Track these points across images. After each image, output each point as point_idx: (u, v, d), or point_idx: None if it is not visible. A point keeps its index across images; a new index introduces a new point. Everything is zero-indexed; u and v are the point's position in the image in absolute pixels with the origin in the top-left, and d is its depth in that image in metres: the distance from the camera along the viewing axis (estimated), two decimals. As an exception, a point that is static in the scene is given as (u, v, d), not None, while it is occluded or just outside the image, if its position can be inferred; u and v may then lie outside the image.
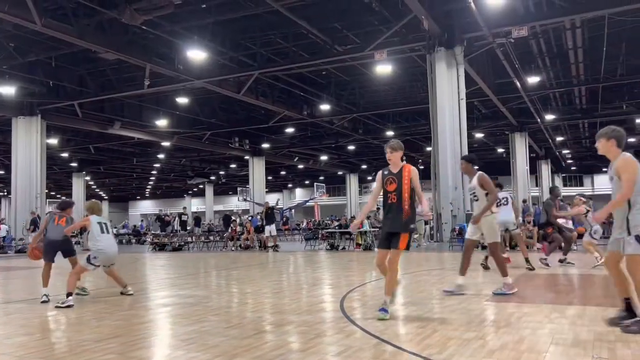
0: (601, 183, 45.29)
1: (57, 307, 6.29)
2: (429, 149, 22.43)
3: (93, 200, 7.87)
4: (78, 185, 38.08)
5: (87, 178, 42.22)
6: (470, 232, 6.58)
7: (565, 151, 38.59)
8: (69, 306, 6.25)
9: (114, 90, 20.77)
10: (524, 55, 17.95)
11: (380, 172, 5.59)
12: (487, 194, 6.39)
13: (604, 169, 44.77)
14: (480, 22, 13.87)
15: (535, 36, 16.33)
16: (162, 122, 25.34)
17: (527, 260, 9.24)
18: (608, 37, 15.81)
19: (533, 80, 19.87)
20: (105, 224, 7.08)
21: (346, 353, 3.94)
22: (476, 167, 6.87)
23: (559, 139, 32.42)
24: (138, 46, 16.63)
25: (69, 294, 6.42)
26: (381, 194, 5.52)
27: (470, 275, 8.98)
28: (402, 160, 5.53)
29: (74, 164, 36.78)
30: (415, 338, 4.36)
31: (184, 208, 28.60)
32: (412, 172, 5.32)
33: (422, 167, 41.37)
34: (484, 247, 9.47)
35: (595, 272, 8.86)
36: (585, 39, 16.29)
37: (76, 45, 15.67)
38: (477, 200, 6.57)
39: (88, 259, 6.81)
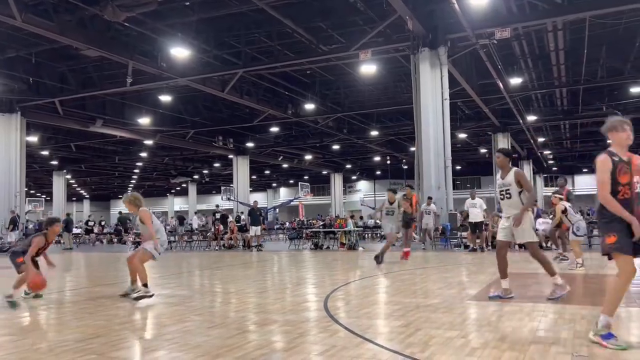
0: (581, 183, 45.98)
1: (136, 298, 6.46)
2: (412, 148, 22.56)
3: (135, 193, 7.25)
4: (58, 184, 37.53)
5: (68, 176, 41.62)
6: (503, 234, 6.11)
7: (546, 152, 39.11)
8: (151, 295, 6.49)
9: (95, 88, 20.51)
10: (507, 56, 18.14)
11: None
12: (520, 192, 6.01)
13: (584, 170, 45.57)
14: (464, 23, 13.98)
15: (518, 38, 16.52)
16: (144, 120, 25.08)
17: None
18: (589, 40, 16.05)
19: (515, 81, 20.10)
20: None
21: (330, 352, 3.93)
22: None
23: (541, 139, 32.84)
24: (120, 43, 16.44)
25: (145, 284, 6.56)
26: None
27: (455, 273, 9.07)
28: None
29: (54, 162, 36.23)
30: (398, 337, 4.38)
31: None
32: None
33: (405, 166, 41.66)
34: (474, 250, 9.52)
35: (576, 271, 9.00)
36: (566, 41, 16.52)
37: (57, 42, 15.44)
38: (509, 197, 6.09)
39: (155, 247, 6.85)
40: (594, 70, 19.74)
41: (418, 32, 15.28)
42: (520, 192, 5.98)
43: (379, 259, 10.88)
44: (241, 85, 20.81)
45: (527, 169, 39.71)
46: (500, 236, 6.25)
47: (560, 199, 9.93)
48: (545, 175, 47.48)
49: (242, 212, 25.48)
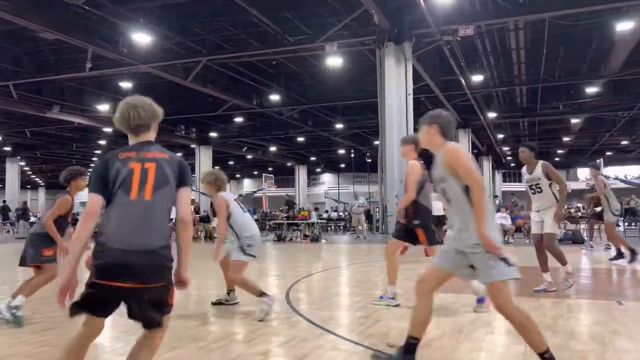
0: (538, 179, 47.53)
1: (261, 320, 4.73)
2: (376, 142, 22.73)
3: (217, 171, 5.81)
4: (12, 171, 36.14)
5: (22, 163, 40.12)
6: (550, 226, 5.97)
7: (505, 148, 40.14)
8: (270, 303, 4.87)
9: (52, 72, 19.76)
10: (470, 54, 18.46)
11: None
12: (550, 185, 5.96)
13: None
14: (429, 20, 14.13)
15: (481, 35, 16.83)
16: (104, 107, 24.38)
17: None
18: (548, 40, 16.50)
19: (477, 78, 20.49)
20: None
21: (290, 343, 3.95)
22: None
23: (500, 136, 33.65)
24: (79, 27, 15.87)
25: (262, 294, 4.90)
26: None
27: (417, 265, 9.22)
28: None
29: (7, 148, 34.84)
30: (359, 328, 4.43)
31: None
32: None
33: (369, 160, 41.99)
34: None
35: (531, 264, 9.28)
36: (527, 41, 16.93)
37: (12, 23, 14.77)
38: (540, 191, 6.02)
39: (243, 250, 5.14)
40: (553, 69, 20.32)
41: (384, 26, 15.37)
42: (550, 185, 5.94)
43: None
44: (205, 73, 20.47)
45: (487, 165, 40.74)
46: (535, 230, 6.22)
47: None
48: (504, 170, 48.71)
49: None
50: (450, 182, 3.11)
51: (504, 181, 47.86)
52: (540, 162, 6.07)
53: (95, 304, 2.39)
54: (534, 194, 6.15)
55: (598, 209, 11.13)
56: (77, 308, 2.38)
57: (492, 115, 26.48)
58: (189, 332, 4.31)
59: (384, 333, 4.18)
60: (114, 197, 2.40)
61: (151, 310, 2.37)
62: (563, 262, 6.04)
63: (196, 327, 4.53)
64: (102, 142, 34.36)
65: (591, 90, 21.82)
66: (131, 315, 2.42)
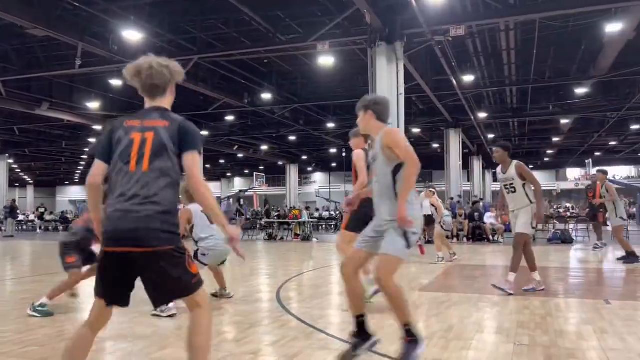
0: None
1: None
2: (368, 142, 22.78)
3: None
4: (0, 169, 35.78)
5: (11, 161, 39.68)
6: (521, 226, 5.92)
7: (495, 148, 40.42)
8: None
9: (42, 69, 19.56)
10: (461, 54, 18.53)
11: None
12: (524, 185, 5.93)
13: (531, 166, 47.37)
14: (421, 19, 14.17)
15: (472, 36, 16.89)
16: (94, 105, 24.19)
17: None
18: (538, 41, 16.60)
19: (468, 78, 20.58)
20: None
21: (281, 342, 3.95)
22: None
23: (491, 136, 33.83)
24: (69, 23, 15.74)
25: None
26: None
27: (407, 264, 9.25)
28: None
29: (-5, 146, 34.49)
30: (349, 327, 4.43)
31: None
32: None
33: (360, 159, 42.06)
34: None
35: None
36: (517, 41, 17.02)
37: (0, 19, 14.64)
38: (514, 192, 6.02)
39: (196, 257, 5.62)
40: (543, 70, 20.46)
41: (376, 26, 15.39)
42: (524, 185, 5.95)
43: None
44: (196, 72, 20.38)
45: (477, 165, 40.96)
46: (522, 230, 6.11)
47: (433, 193, 10.35)
48: (494, 170, 48.94)
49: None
50: (380, 161, 3.33)
51: (495, 181, 48.14)
52: (515, 162, 6.10)
53: (106, 280, 2.46)
54: (508, 193, 6.19)
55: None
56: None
57: (482, 115, 26.61)
58: (179, 330, 4.30)
59: (374, 331, 4.19)
60: (115, 166, 2.43)
61: (167, 278, 2.35)
62: (514, 268, 5.94)
63: (185, 326, 4.50)
64: (92, 140, 34.12)
65: (580, 91, 21.99)
66: (149, 293, 2.45)
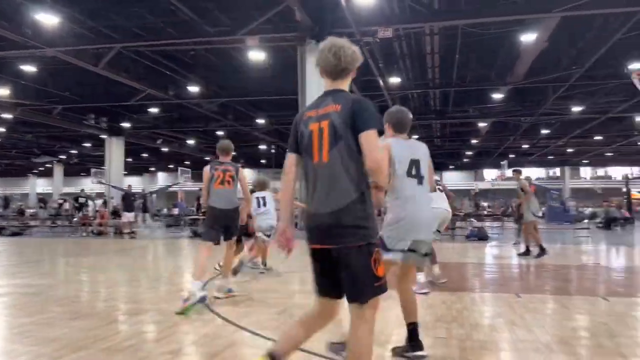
0: (449, 179, 49.85)
1: None
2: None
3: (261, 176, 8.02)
4: None
5: None
6: None
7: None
8: None
9: (-58, 51, 17.94)
10: (388, 56, 18.99)
11: None
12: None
13: (451, 167, 49.50)
14: (350, 19, 14.36)
15: (399, 38, 17.35)
16: (3, 92, 22.48)
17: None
18: (461, 47, 17.34)
19: (395, 80, 21.15)
20: (263, 197, 7.65)
21: (202, 341, 3.86)
22: None
23: (415, 137, 34.92)
24: (-25, 3, 14.53)
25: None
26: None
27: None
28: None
29: None
30: (272, 324, 4.41)
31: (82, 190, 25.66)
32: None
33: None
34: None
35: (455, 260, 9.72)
36: (441, 46, 17.69)
37: None
38: None
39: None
40: (464, 75, 21.38)
41: (305, 23, 15.42)
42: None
43: None
44: (118, 61, 19.48)
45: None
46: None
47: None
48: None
49: (112, 197, 24.09)
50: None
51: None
52: None
53: (315, 275, 2.52)
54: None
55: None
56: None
57: (408, 116, 27.43)
58: (94, 331, 4.09)
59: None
60: (303, 160, 2.52)
61: (349, 277, 2.33)
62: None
63: (102, 326, 4.30)
64: (1, 130, 31.76)
65: (497, 96, 23.22)
66: (345, 288, 2.40)
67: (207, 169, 5.71)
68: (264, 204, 7.61)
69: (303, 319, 2.56)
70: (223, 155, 5.85)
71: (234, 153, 6.39)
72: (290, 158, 2.57)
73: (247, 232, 7.69)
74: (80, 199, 21.66)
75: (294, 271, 7.94)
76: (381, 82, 20.01)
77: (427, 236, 3.45)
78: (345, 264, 2.31)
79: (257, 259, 7.87)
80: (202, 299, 5.03)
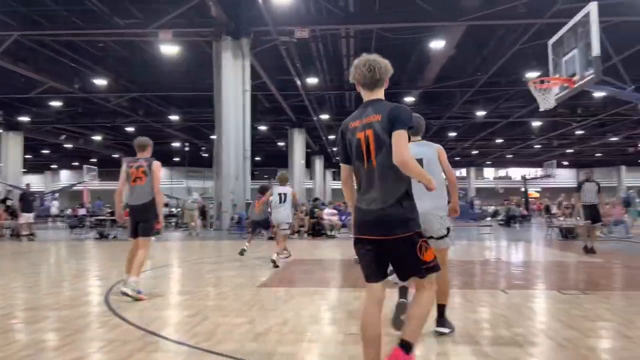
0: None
1: None
2: (213, 137, 22.40)
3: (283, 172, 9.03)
4: None
5: None
6: None
7: (335, 148, 42.58)
8: None
9: None
10: (305, 56, 19.15)
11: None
12: None
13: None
14: (267, 18, 14.32)
15: (316, 40, 17.56)
16: None
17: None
18: (375, 50, 17.70)
19: (312, 80, 21.37)
20: (285, 194, 8.24)
21: (108, 347, 3.67)
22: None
23: (331, 137, 35.55)
24: None
25: None
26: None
27: (247, 262, 9.27)
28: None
29: None
30: (184, 327, 4.29)
31: None
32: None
33: (206, 155, 41.12)
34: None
35: (350, 256, 9.94)
36: (357, 49, 18.13)
37: None
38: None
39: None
40: (378, 78, 22.08)
41: (221, 19, 15.18)
42: None
43: None
44: (16, 50, 18.05)
45: (319, 163, 42.78)
46: None
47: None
48: (334, 170, 51.64)
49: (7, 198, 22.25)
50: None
51: (334, 179, 50.70)
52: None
53: (362, 262, 2.80)
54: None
55: None
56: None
57: (324, 116, 27.83)
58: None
59: (211, 330, 4.11)
60: (354, 166, 2.84)
61: (401, 261, 2.74)
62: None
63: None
64: None
65: (409, 99, 24.18)
66: (395, 270, 2.81)
67: (122, 167, 5.87)
68: (284, 200, 8.18)
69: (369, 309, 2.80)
70: (140, 152, 5.96)
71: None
72: (345, 170, 2.91)
73: (267, 226, 8.65)
74: (-29, 198, 19.79)
75: (209, 271, 7.78)
76: (298, 82, 20.13)
77: (429, 228, 3.69)
78: (396, 252, 2.70)
79: (284, 249, 8.90)
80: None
